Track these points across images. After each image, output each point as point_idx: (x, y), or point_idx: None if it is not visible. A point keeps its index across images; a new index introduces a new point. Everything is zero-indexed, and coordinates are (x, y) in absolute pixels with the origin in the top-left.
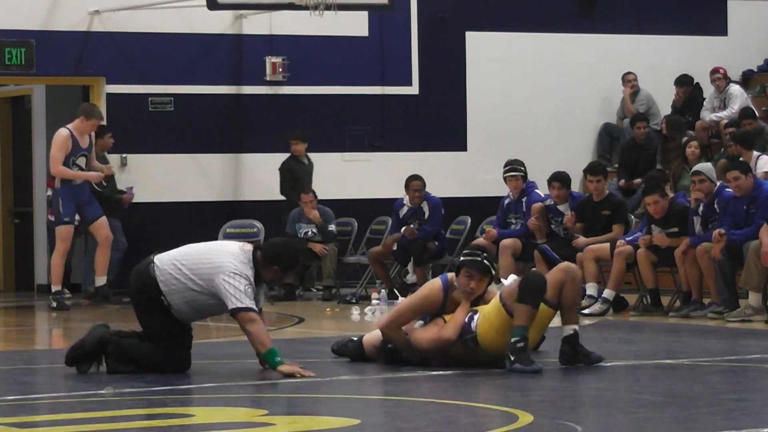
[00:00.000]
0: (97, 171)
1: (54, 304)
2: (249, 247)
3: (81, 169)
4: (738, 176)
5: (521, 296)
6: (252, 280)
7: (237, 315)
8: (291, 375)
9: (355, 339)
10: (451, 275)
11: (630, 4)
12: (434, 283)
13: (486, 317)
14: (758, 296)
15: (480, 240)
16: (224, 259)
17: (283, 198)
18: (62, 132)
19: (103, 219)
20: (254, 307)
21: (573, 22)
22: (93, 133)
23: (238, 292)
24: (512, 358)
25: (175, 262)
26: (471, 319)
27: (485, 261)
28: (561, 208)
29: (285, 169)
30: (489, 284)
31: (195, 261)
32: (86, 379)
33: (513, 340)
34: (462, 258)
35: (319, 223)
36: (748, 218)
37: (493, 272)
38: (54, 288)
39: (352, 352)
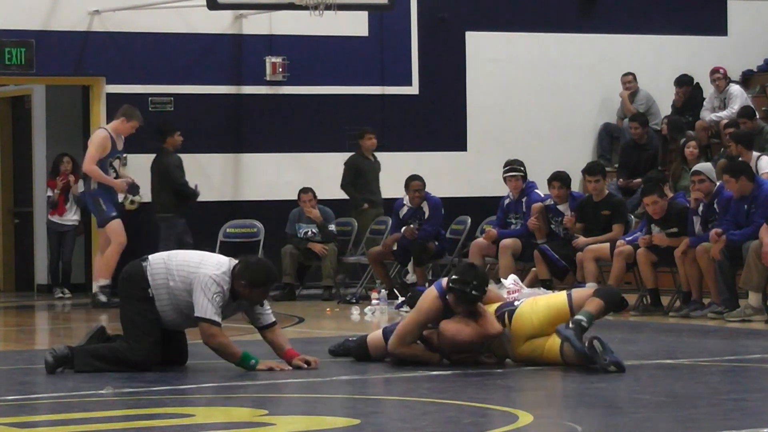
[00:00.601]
0: (125, 178)
1: (103, 299)
2: (235, 261)
3: (115, 171)
4: (728, 179)
5: (602, 294)
6: (226, 292)
7: (199, 324)
8: (272, 369)
9: (352, 339)
10: (445, 281)
11: (630, 4)
12: (431, 295)
13: (535, 302)
14: (758, 296)
15: (480, 240)
16: (208, 263)
17: (283, 198)
18: (101, 132)
19: (118, 221)
20: (217, 320)
21: (573, 22)
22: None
23: (206, 300)
24: (570, 325)
25: (165, 258)
26: (515, 299)
27: (473, 292)
28: (561, 208)
29: (351, 165)
30: (483, 299)
31: (182, 260)
32: (86, 379)
33: (578, 317)
34: (451, 284)
35: (319, 223)
36: (749, 218)
37: (485, 296)
38: (103, 281)
39: (355, 351)
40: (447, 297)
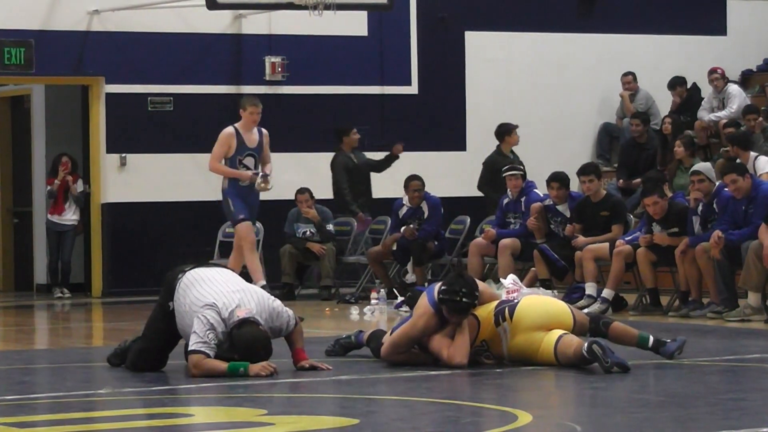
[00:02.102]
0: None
1: None
2: (244, 313)
3: (248, 169)
4: (735, 179)
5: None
6: (219, 334)
7: (188, 356)
8: (259, 374)
9: (344, 338)
10: (437, 291)
11: (630, 4)
12: (427, 312)
13: (539, 297)
14: (757, 296)
15: (479, 240)
16: (210, 305)
17: (282, 198)
18: (226, 129)
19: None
20: (203, 349)
21: (573, 22)
22: (264, 132)
23: (196, 335)
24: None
25: (191, 282)
26: (515, 299)
27: (464, 300)
28: (560, 208)
29: (490, 165)
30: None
31: (199, 293)
32: (86, 379)
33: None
34: (440, 295)
35: (317, 222)
36: (747, 218)
37: (476, 303)
38: (261, 283)
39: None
40: (442, 309)
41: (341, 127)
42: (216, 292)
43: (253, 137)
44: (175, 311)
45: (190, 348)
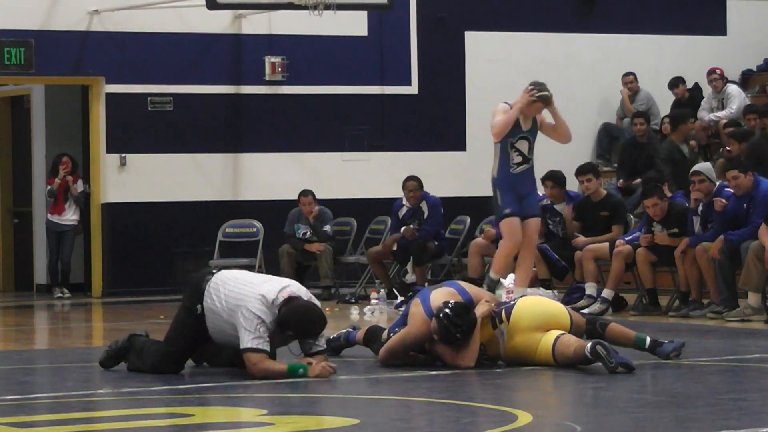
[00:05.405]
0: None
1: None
2: (287, 294)
3: (521, 154)
4: (737, 175)
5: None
6: (269, 324)
7: (245, 355)
8: (320, 375)
9: (335, 337)
10: (434, 301)
11: (630, 4)
12: (423, 322)
13: (535, 299)
14: (757, 296)
15: (479, 240)
16: (254, 295)
17: (282, 198)
18: (501, 104)
19: (536, 221)
20: (260, 347)
21: (573, 22)
22: (541, 116)
23: (247, 332)
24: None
25: (223, 282)
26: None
27: (458, 335)
28: (558, 207)
29: (668, 159)
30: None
31: (234, 288)
32: (86, 379)
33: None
34: (441, 316)
35: (312, 223)
36: (747, 217)
37: (466, 341)
38: (494, 276)
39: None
40: (432, 320)
41: (677, 113)
42: (255, 284)
43: (528, 119)
44: (205, 312)
45: (247, 346)
